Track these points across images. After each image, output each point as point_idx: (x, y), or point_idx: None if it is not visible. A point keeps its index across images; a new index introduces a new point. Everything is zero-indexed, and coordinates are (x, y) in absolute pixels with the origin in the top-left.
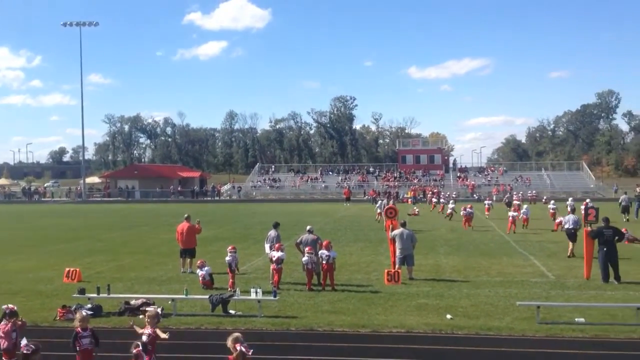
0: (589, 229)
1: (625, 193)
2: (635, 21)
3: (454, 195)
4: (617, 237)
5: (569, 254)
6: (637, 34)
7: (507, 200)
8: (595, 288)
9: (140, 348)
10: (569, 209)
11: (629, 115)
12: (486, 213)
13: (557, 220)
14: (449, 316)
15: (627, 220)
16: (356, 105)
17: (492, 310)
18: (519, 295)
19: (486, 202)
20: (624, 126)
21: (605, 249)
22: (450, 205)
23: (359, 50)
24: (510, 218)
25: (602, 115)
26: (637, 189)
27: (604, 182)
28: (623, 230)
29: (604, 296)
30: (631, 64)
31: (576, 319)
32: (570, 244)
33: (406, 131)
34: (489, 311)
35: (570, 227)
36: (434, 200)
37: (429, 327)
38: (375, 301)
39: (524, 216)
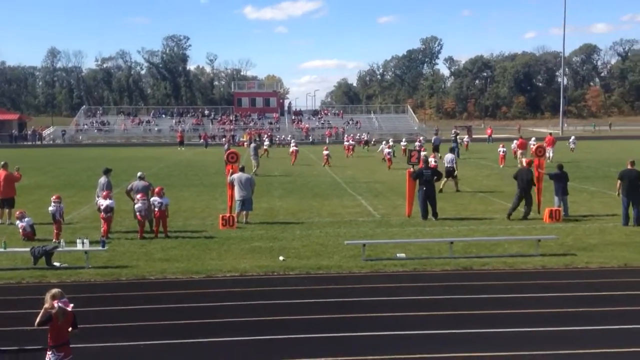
0: (411, 170)
1: (436, 134)
2: None
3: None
4: (435, 177)
5: (441, 188)
6: None
7: (365, 139)
8: (416, 225)
9: None
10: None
11: (449, 60)
12: (347, 154)
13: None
14: (281, 258)
15: (441, 157)
16: (190, 46)
17: (322, 250)
18: (347, 234)
19: (346, 142)
20: (445, 71)
21: (425, 188)
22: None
23: None
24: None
25: (426, 60)
26: (453, 131)
27: (426, 124)
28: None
29: (423, 232)
30: (453, 11)
31: (397, 255)
32: (445, 179)
33: (242, 73)
34: (319, 251)
35: (449, 165)
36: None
37: (262, 270)
38: (210, 246)
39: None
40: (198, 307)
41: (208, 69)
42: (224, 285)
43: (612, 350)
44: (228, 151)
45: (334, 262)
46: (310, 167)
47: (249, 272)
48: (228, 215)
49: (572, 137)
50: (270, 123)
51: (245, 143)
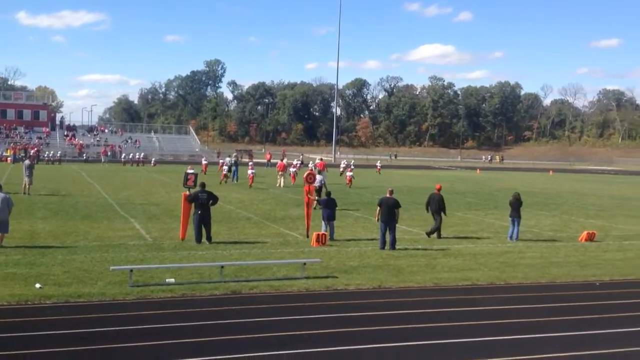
0: (187, 193)
1: (229, 156)
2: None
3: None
4: (211, 201)
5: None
6: (244, 7)
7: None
8: (189, 249)
9: None
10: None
11: (233, 84)
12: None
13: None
14: (38, 285)
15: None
16: None
17: (86, 276)
18: (115, 259)
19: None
20: (228, 94)
21: (199, 212)
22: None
23: None
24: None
25: (210, 82)
26: (234, 154)
27: (209, 146)
28: None
29: (196, 256)
30: (240, 36)
31: (167, 280)
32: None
33: (9, 83)
34: (82, 277)
35: (317, 184)
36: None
37: (14, 299)
38: None
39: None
40: None
41: None
42: None
43: None
44: None
45: (97, 289)
46: (81, 187)
47: (0, 301)
48: None
49: (352, 161)
50: (40, 138)
51: (9, 158)
